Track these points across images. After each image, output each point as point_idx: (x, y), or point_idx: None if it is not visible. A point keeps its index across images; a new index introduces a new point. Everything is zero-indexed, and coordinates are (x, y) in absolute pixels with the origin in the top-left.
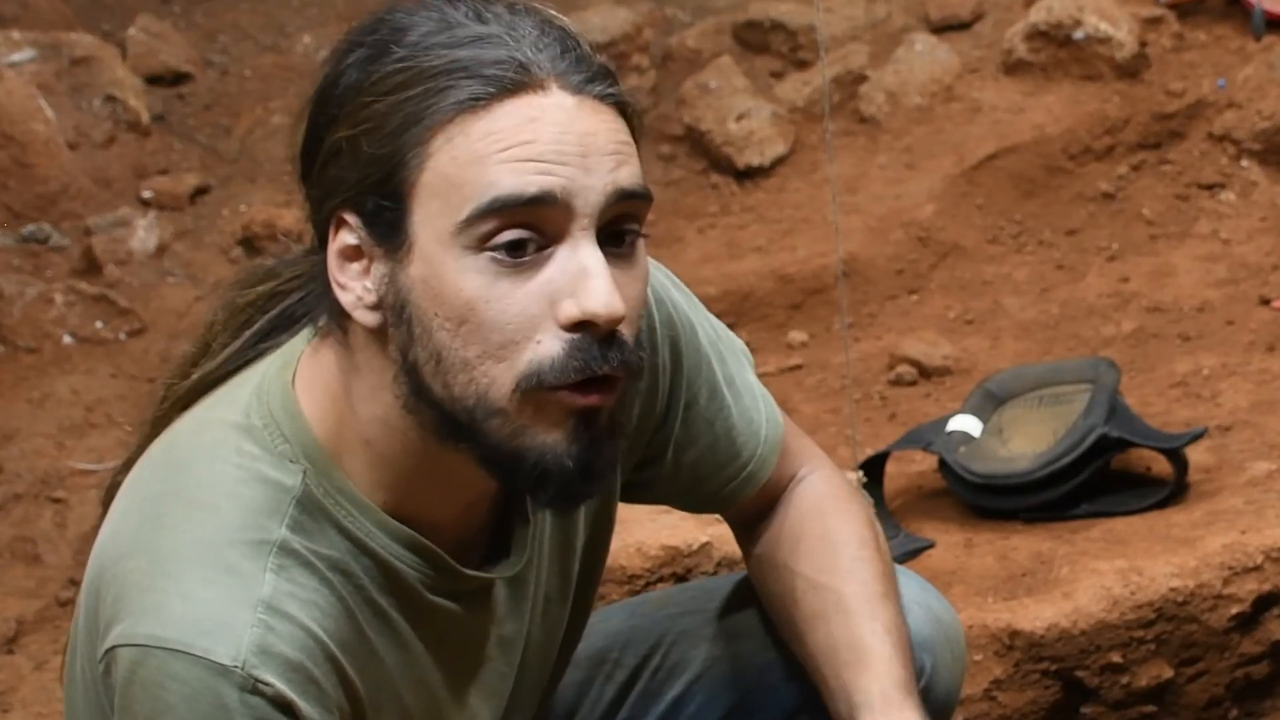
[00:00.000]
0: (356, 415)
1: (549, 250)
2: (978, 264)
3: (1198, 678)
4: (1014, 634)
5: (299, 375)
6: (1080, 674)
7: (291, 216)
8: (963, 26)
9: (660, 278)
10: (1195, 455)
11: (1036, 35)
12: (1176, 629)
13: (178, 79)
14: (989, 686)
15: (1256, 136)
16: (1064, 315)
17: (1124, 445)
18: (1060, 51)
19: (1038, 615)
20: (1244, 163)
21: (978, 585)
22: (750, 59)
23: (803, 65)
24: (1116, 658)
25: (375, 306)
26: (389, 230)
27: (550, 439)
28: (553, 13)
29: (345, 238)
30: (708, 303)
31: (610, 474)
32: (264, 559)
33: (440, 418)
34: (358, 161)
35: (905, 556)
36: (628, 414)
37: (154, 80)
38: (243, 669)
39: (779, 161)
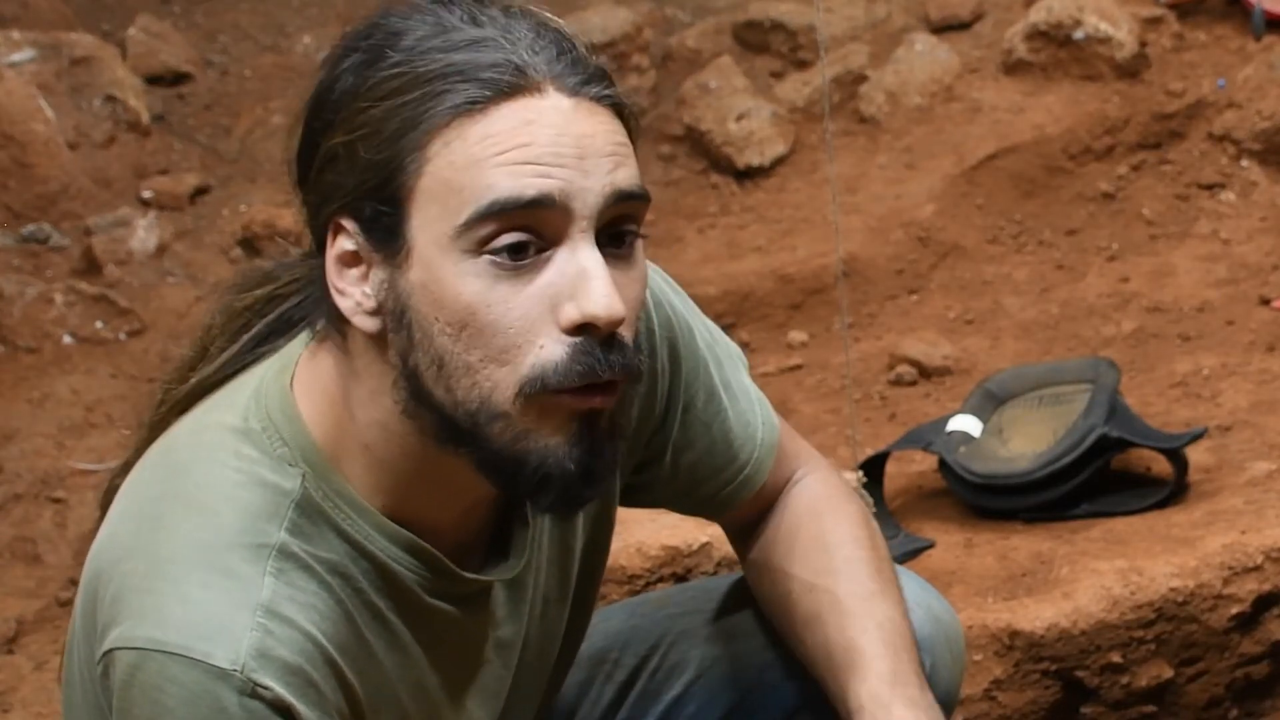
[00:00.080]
0: (355, 419)
1: (548, 253)
2: (978, 264)
3: (1198, 678)
4: (1014, 634)
5: (297, 379)
6: (1080, 674)
7: (291, 217)
8: (963, 26)
9: (657, 280)
10: (1195, 455)
11: (1036, 35)
12: (1176, 629)
13: (178, 79)
14: (989, 686)
15: (1256, 136)
16: (1064, 315)
17: (1124, 445)
18: (1060, 51)
19: (1038, 615)
20: (1244, 163)
21: (978, 585)
22: (750, 59)
23: (803, 65)
24: (1116, 658)
25: (374, 312)
26: (387, 235)
27: (552, 442)
28: (548, 14)
29: (343, 243)
30: (708, 303)
31: (611, 476)
32: (263, 562)
33: (440, 422)
34: (355, 167)
35: (905, 556)
36: (627, 416)
37: (154, 80)
38: (242, 672)
39: (779, 161)
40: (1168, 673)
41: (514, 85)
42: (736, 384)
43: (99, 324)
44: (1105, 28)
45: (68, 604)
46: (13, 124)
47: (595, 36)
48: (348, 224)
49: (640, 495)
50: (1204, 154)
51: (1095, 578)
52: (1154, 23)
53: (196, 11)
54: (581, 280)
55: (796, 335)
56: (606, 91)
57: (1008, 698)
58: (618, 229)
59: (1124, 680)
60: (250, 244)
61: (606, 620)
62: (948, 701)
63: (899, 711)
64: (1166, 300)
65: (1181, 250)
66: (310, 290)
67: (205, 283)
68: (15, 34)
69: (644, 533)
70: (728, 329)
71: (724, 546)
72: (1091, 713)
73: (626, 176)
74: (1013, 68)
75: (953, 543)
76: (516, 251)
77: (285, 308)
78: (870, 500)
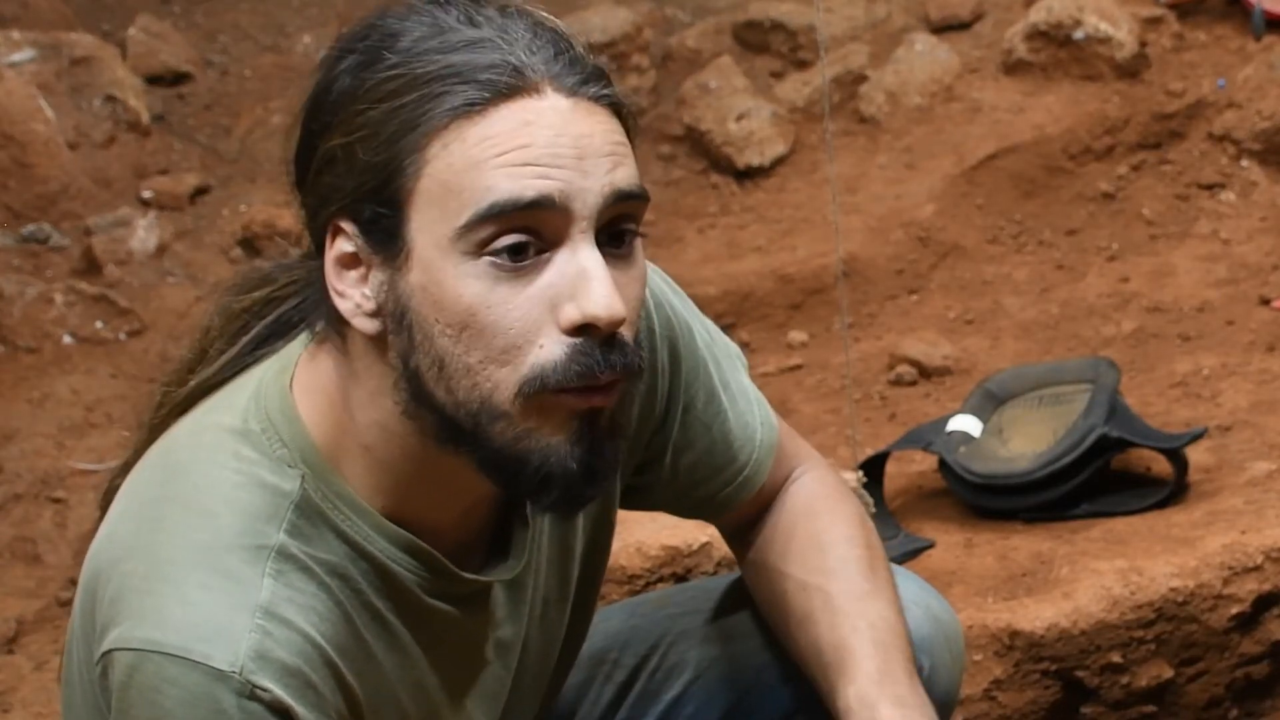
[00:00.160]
0: (355, 420)
1: (547, 253)
2: (978, 264)
3: (1198, 678)
4: (1014, 634)
5: (296, 380)
6: (1080, 674)
7: (291, 217)
8: (963, 26)
9: (657, 280)
10: (1195, 455)
11: (1036, 35)
12: (1176, 629)
13: (178, 79)
14: (989, 686)
15: (1256, 136)
16: (1064, 315)
17: (1124, 445)
18: (1060, 51)
19: (1038, 615)
20: (1244, 163)
21: (978, 585)
22: (750, 59)
23: (803, 65)
24: (1116, 658)
25: (374, 314)
26: (387, 238)
27: (553, 442)
28: (545, 14)
29: (342, 245)
30: (708, 303)
31: (612, 475)
32: (262, 564)
33: (441, 423)
34: (353, 169)
35: (905, 556)
36: (628, 415)
37: (154, 80)
38: (240, 674)
39: (779, 161)
40: (1168, 673)
41: (512, 86)
42: (736, 384)
43: (99, 324)
44: (1105, 28)
45: (68, 604)
46: (13, 124)
47: (595, 36)
48: (346, 226)
49: (640, 497)
50: (1204, 154)
51: (1095, 578)
52: (1154, 23)
53: (196, 11)
54: (582, 281)
55: (796, 335)
56: (604, 91)
57: (1008, 698)
58: (617, 228)
59: (1124, 680)
60: (250, 244)
61: (606, 620)
62: (947, 702)
63: (885, 711)
64: (1166, 300)
65: (1181, 250)
66: (308, 292)
67: (205, 283)
68: (15, 34)
69: (644, 533)
70: (728, 329)
71: (724, 546)
72: (1091, 713)
73: (625, 176)
74: (1013, 68)
75: (953, 543)
76: (516, 252)
77: (283, 309)
78: (870, 500)
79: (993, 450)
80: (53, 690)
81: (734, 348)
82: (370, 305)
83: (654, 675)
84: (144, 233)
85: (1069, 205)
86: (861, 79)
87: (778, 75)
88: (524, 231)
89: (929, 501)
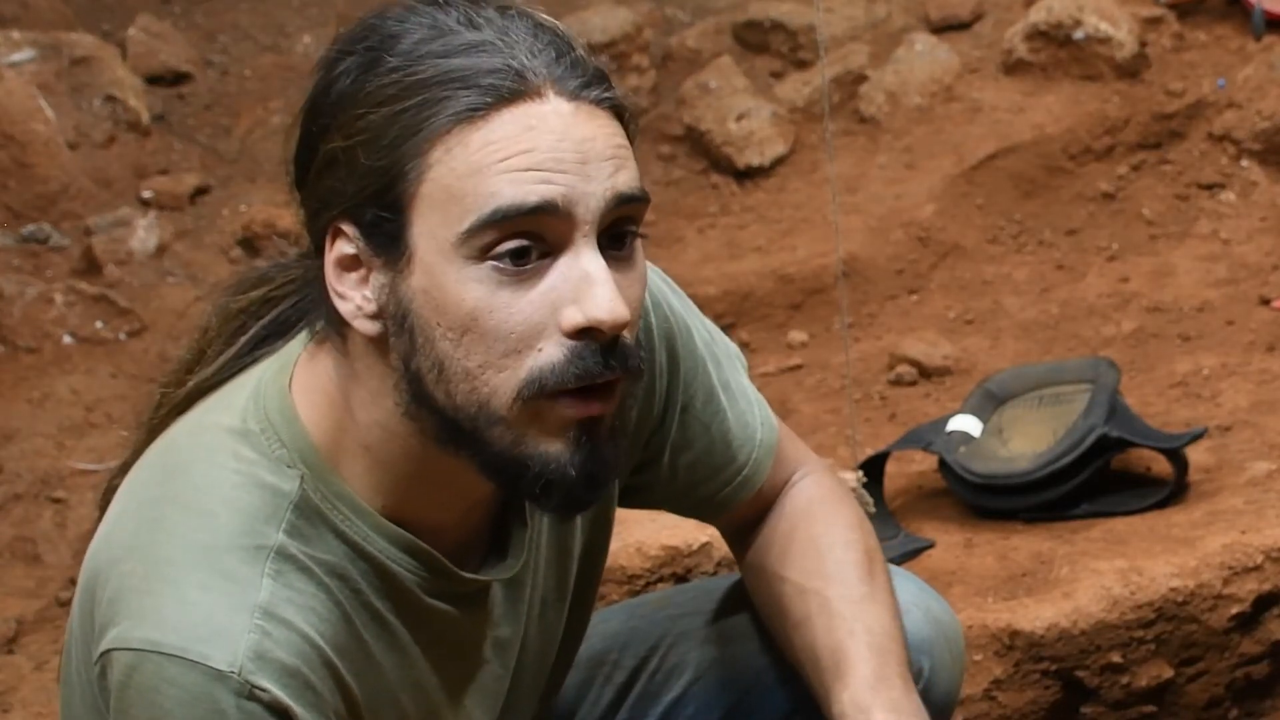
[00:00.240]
0: (356, 421)
1: (550, 257)
2: (978, 264)
3: (1198, 678)
4: (1014, 634)
5: (295, 380)
6: (1080, 674)
7: (291, 217)
8: (963, 26)
9: (656, 280)
10: (1195, 455)
11: (1036, 35)
12: (1176, 629)
13: (178, 79)
14: (989, 686)
15: (1256, 136)
16: (1064, 315)
17: (1124, 445)
18: (1060, 51)
19: (1038, 615)
20: (1244, 163)
21: (978, 585)
22: (750, 59)
23: (803, 65)
24: (1116, 658)
25: (375, 316)
26: (388, 241)
27: (553, 449)
28: (544, 16)
29: (343, 247)
30: (708, 303)
31: (612, 480)
32: (261, 564)
33: (442, 424)
34: (354, 173)
35: (905, 556)
36: (628, 416)
37: (154, 80)
38: (239, 675)
39: (779, 161)
40: (1168, 673)
41: (514, 91)
42: (735, 385)
43: (99, 324)
44: (1105, 28)
45: (68, 604)
46: (13, 124)
47: (595, 36)
48: (347, 229)
49: (639, 496)
50: (1204, 154)
51: (1095, 578)
52: (1154, 23)
53: (196, 11)
54: (585, 285)
55: (796, 335)
56: (606, 94)
57: (1008, 698)
58: (617, 230)
59: (1124, 680)
60: (250, 244)
61: (606, 621)
62: (947, 702)
63: (879, 716)
64: (1166, 300)
65: (1181, 250)
66: (307, 292)
67: (205, 283)
68: (15, 34)
69: (644, 533)
70: (728, 329)
71: (724, 546)
72: (1091, 713)
73: (627, 179)
74: (1013, 68)
75: (953, 543)
76: (519, 257)
77: (282, 309)
78: (870, 500)
79: (993, 450)
80: (53, 690)
81: (734, 348)
82: (371, 307)
83: (654, 676)
84: (144, 233)
85: (1069, 205)
86: (861, 79)
87: (778, 75)
88: (526, 236)
89: (929, 501)
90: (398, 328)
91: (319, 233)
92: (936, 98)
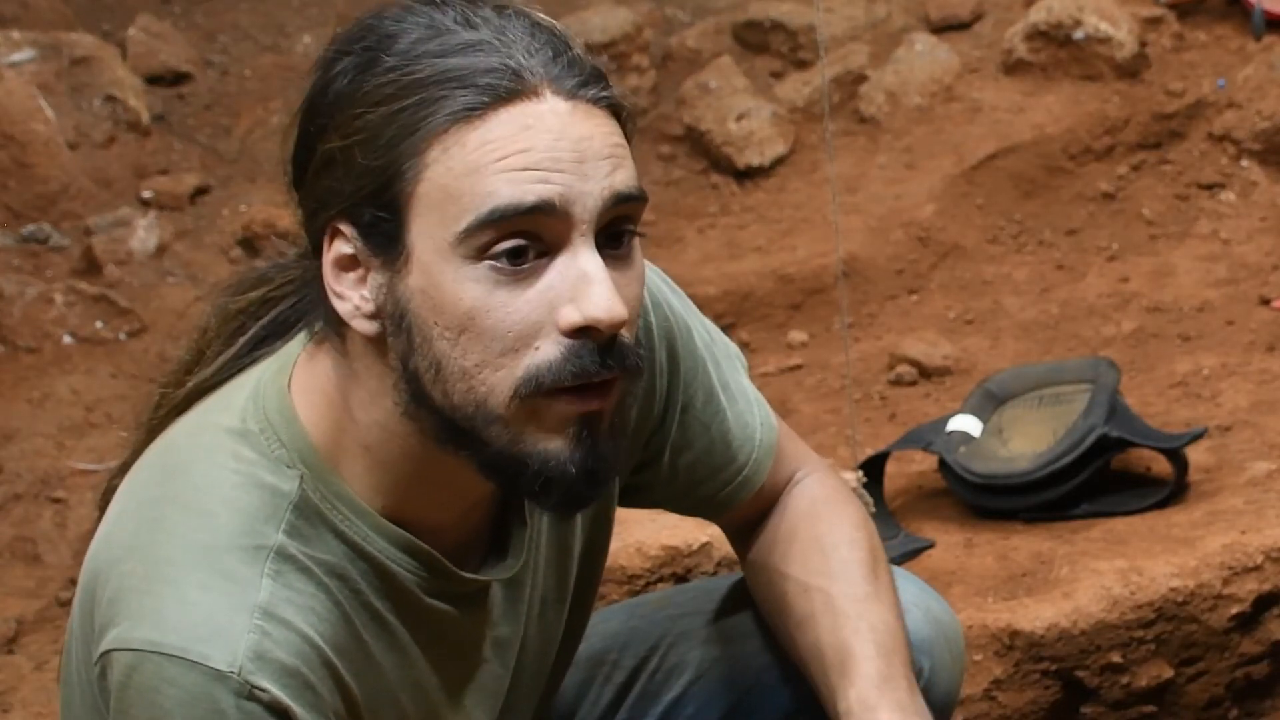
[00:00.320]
0: (355, 421)
1: (547, 257)
2: (978, 264)
3: (1198, 678)
4: (1014, 634)
5: (295, 381)
6: (1080, 674)
7: (291, 217)
8: (963, 26)
9: (655, 280)
10: (1195, 455)
11: (1036, 35)
12: (1176, 629)
13: (178, 79)
14: (989, 686)
15: (1256, 136)
16: (1064, 315)
17: (1124, 445)
18: (1060, 51)
19: (1038, 615)
20: (1244, 163)
21: (978, 585)
22: (750, 59)
23: (803, 65)
24: (1116, 658)
25: (373, 315)
26: (386, 241)
27: (552, 446)
28: (541, 15)
29: (340, 247)
30: (708, 303)
31: (612, 477)
32: (261, 564)
33: (441, 424)
34: (352, 173)
35: (905, 556)
36: (627, 415)
37: (154, 80)
38: (239, 675)
39: (779, 161)
40: (1168, 673)
41: (511, 90)
42: (735, 384)
43: (99, 324)
44: (1105, 28)
45: (68, 604)
46: (13, 124)
47: (595, 36)
48: (345, 229)
49: (639, 496)
50: (1204, 154)
51: (1095, 578)
52: (1154, 23)
53: (196, 11)
54: (582, 284)
55: (796, 335)
56: (603, 93)
57: (1008, 698)
58: (615, 229)
59: (1124, 680)
60: (250, 244)
61: (606, 621)
62: (947, 703)
63: (886, 716)
64: (1166, 300)
65: (1181, 250)
66: (305, 292)
67: (205, 283)
68: (15, 34)
69: (644, 533)
70: (728, 329)
71: (724, 546)
72: (1091, 713)
73: (625, 179)
74: (1013, 68)
75: (953, 543)
76: (516, 256)
77: (280, 310)
78: (870, 500)
79: (993, 450)
80: (53, 690)
81: (733, 348)
82: (369, 307)
83: (654, 676)
84: (144, 233)
85: (1069, 205)
86: (861, 79)
87: (778, 75)
88: (524, 236)
89: (929, 501)
90: (395, 327)
91: (317, 233)
92: (936, 98)
